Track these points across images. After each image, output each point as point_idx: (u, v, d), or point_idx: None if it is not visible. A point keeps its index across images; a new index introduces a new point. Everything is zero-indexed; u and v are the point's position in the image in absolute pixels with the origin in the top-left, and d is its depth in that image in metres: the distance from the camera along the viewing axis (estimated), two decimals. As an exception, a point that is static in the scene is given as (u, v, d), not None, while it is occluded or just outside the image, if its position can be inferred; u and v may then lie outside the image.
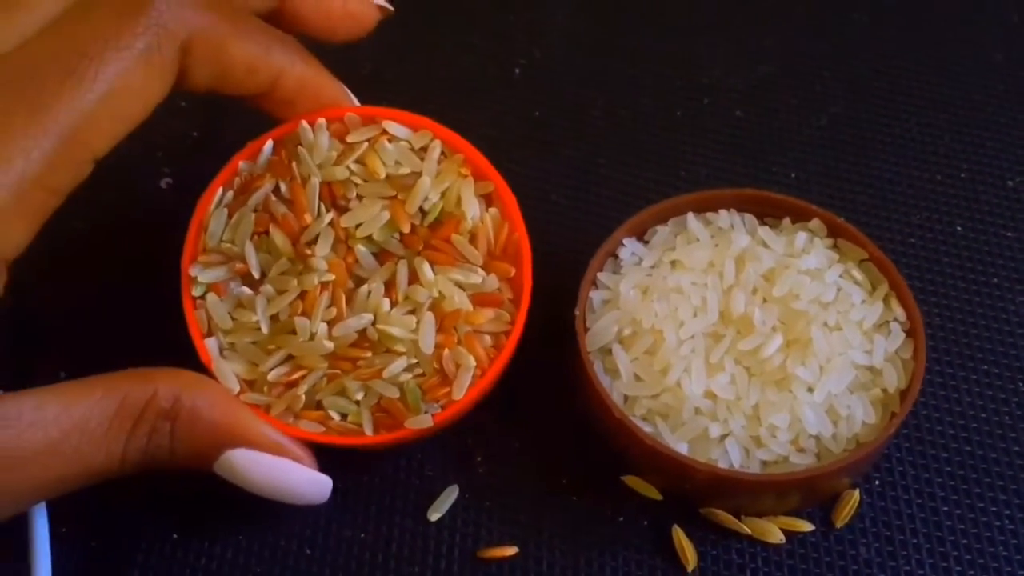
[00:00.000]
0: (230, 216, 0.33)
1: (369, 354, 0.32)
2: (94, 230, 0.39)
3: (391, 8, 0.36)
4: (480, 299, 0.33)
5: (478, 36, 0.46)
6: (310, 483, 0.32)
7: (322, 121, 0.34)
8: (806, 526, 0.34)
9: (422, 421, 0.32)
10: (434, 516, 0.34)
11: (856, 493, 0.34)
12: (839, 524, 0.34)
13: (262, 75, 0.32)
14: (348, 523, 0.34)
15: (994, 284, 0.39)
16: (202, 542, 0.34)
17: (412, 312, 0.33)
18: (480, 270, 0.33)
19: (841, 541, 0.34)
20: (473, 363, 0.32)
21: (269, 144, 0.34)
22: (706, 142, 0.43)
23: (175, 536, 0.34)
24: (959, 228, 0.41)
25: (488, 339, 0.33)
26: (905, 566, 0.33)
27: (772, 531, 0.34)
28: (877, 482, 0.35)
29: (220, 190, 0.34)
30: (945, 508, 0.34)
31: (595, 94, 0.45)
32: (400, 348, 0.32)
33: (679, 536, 0.34)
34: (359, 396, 0.32)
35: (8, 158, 0.27)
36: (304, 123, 0.34)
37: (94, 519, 0.34)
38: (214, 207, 0.34)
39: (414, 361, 0.32)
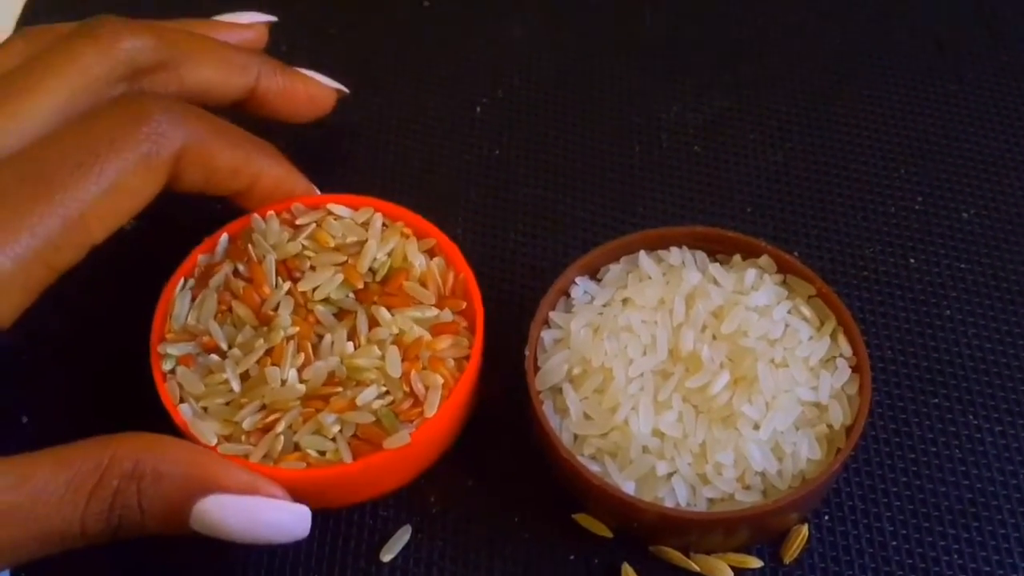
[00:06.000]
0: (193, 299, 0.36)
1: (340, 389, 0.33)
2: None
3: (346, 90, 0.42)
4: (438, 329, 0.35)
5: (440, 75, 0.47)
6: (289, 517, 0.32)
7: (272, 212, 0.37)
8: (755, 562, 0.34)
9: (400, 440, 0.33)
10: (387, 557, 0.34)
11: (804, 529, 0.34)
12: (788, 560, 0.34)
13: (243, 178, 0.36)
14: (301, 564, 0.34)
15: (947, 316, 0.39)
16: (155, 586, 0.34)
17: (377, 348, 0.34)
18: (434, 307, 0.35)
19: (790, 577, 0.34)
20: (440, 381, 0.34)
21: (225, 237, 0.37)
22: (664, 178, 0.44)
23: (129, 581, 0.34)
24: (912, 260, 0.41)
25: (451, 362, 0.35)
26: (853, 601, 0.33)
27: (721, 568, 0.34)
28: (826, 517, 0.35)
29: (182, 280, 0.36)
30: (894, 543, 0.35)
31: (555, 133, 0.45)
32: (370, 376, 0.33)
33: (629, 574, 0.34)
34: (335, 430, 0.33)
35: (16, 232, 0.30)
36: (256, 215, 0.37)
37: (53, 561, 0.34)
38: (177, 293, 0.36)
39: (384, 388, 0.34)
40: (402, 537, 0.35)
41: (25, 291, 0.31)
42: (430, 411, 0.33)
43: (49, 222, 0.31)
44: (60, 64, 0.34)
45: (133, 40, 0.35)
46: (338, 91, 0.41)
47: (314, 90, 0.40)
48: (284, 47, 0.47)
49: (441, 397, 0.34)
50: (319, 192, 0.38)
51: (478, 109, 0.46)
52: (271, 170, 0.36)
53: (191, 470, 0.31)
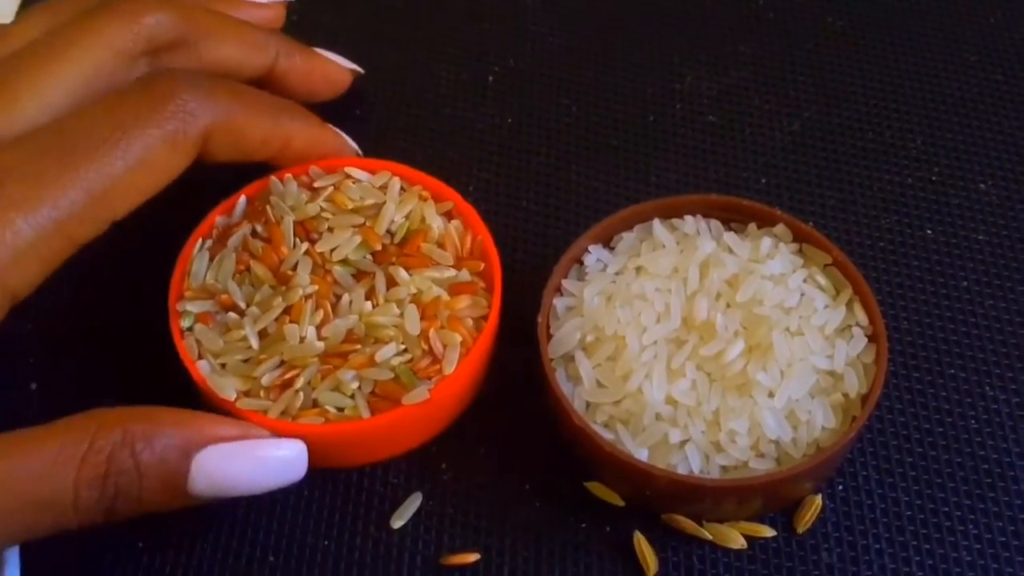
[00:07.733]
0: (211, 259, 0.36)
1: (359, 346, 0.34)
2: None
3: (361, 71, 0.42)
4: (456, 289, 0.35)
5: (452, 44, 0.47)
6: (288, 450, 0.32)
7: (289, 175, 0.37)
8: (768, 531, 0.34)
9: (419, 395, 0.33)
10: (397, 524, 0.34)
11: (818, 498, 0.34)
12: (801, 529, 0.34)
13: (274, 143, 0.36)
14: (311, 531, 0.34)
15: (963, 288, 0.39)
16: (167, 550, 0.34)
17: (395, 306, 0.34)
18: (452, 268, 0.35)
19: (803, 546, 0.34)
20: (459, 339, 0.34)
21: (243, 199, 0.37)
22: (677, 148, 0.43)
23: (140, 544, 0.34)
24: (929, 231, 0.41)
25: (470, 322, 0.35)
26: (867, 571, 0.33)
27: (733, 537, 0.33)
28: (840, 487, 0.35)
29: (200, 241, 0.36)
30: (909, 513, 0.34)
31: (568, 101, 0.45)
32: (388, 334, 0.34)
33: (640, 542, 0.34)
34: (354, 386, 0.33)
35: (39, 203, 0.30)
36: (274, 178, 0.37)
37: (58, 540, 0.34)
38: (195, 252, 0.36)
39: (403, 346, 0.34)
40: (412, 504, 0.35)
41: (44, 262, 0.31)
42: (448, 368, 0.33)
43: (72, 195, 0.31)
44: (83, 37, 0.34)
45: (155, 15, 0.35)
46: (353, 71, 0.42)
47: (331, 70, 0.41)
48: (295, 16, 0.47)
49: (460, 355, 0.34)
50: (353, 143, 0.38)
51: (490, 78, 0.46)
52: (302, 132, 0.36)
53: (182, 428, 0.31)
